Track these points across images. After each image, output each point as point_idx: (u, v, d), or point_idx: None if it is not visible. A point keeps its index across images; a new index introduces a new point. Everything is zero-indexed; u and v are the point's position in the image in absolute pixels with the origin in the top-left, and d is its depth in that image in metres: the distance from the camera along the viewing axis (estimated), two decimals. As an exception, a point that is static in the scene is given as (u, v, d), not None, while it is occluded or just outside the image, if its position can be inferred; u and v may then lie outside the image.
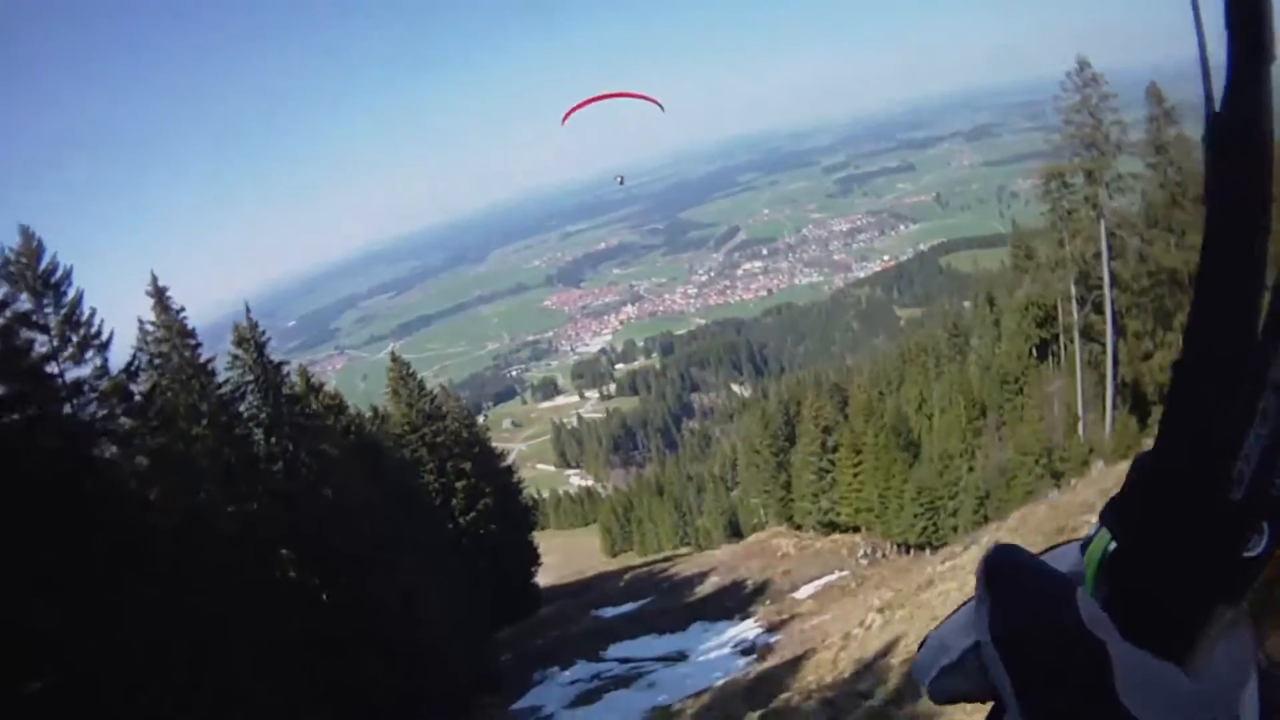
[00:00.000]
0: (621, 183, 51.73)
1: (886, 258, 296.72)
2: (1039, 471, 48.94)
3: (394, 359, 64.04)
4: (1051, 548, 1.13)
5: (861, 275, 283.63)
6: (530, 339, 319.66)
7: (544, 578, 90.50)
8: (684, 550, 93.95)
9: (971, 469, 58.57)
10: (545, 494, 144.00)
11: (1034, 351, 63.06)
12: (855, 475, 66.12)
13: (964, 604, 1.07)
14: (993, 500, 52.81)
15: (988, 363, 69.37)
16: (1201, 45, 0.93)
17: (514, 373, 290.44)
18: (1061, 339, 61.38)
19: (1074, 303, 53.67)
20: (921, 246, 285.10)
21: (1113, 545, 1.04)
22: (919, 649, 1.08)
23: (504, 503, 65.59)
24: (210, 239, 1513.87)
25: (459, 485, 57.66)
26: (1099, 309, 52.53)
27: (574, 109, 33.68)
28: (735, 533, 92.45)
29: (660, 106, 35.13)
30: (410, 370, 62.43)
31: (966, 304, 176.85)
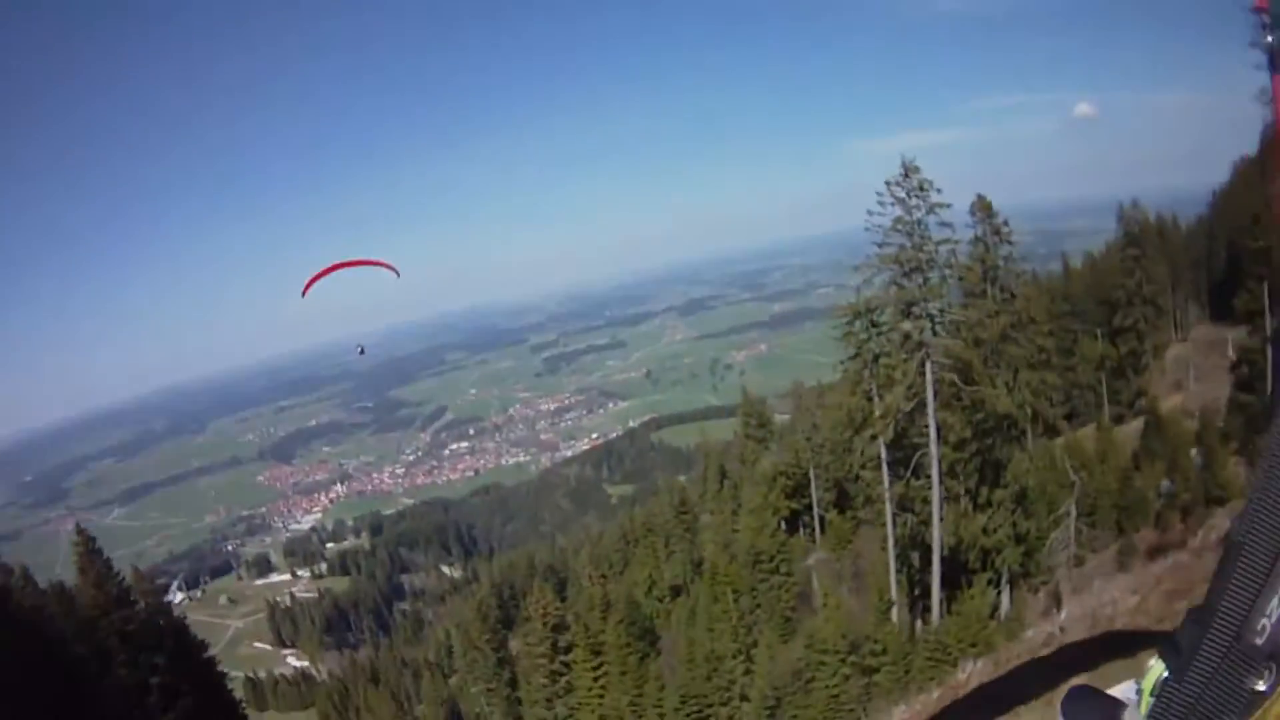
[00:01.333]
0: (362, 352, 46.66)
1: (595, 435, 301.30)
2: (845, 671, 39.57)
3: (79, 532, 54.43)
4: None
5: (569, 454, 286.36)
6: (245, 514, 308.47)
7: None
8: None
9: (749, 671, 49.49)
10: (263, 674, 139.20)
11: (783, 525, 61.31)
12: (596, 680, 57.15)
13: None
14: (787, 709, 42.80)
15: (727, 540, 66.28)
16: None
17: (230, 547, 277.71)
18: (816, 510, 61.33)
19: (884, 466, 44.62)
20: (631, 423, 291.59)
21: (1165, 674, 1.37)
22: None
23: (208, 700, 60.58)
24: None
25: (153, 682, 52.74)
26: (917, 472, 42.97)
27: (314, 279, 32.54)
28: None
29: (396, 272, 34.14)
30: (96, 546, 56.09)
31: (682, 479, 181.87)
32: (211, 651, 71.34)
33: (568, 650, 59.61)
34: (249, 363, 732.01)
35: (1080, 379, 71.92)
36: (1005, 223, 49.75)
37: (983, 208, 48.46)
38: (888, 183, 38.84)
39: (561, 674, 60.91)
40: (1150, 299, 72.57)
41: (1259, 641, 1.21)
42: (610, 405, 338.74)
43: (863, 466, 49.21)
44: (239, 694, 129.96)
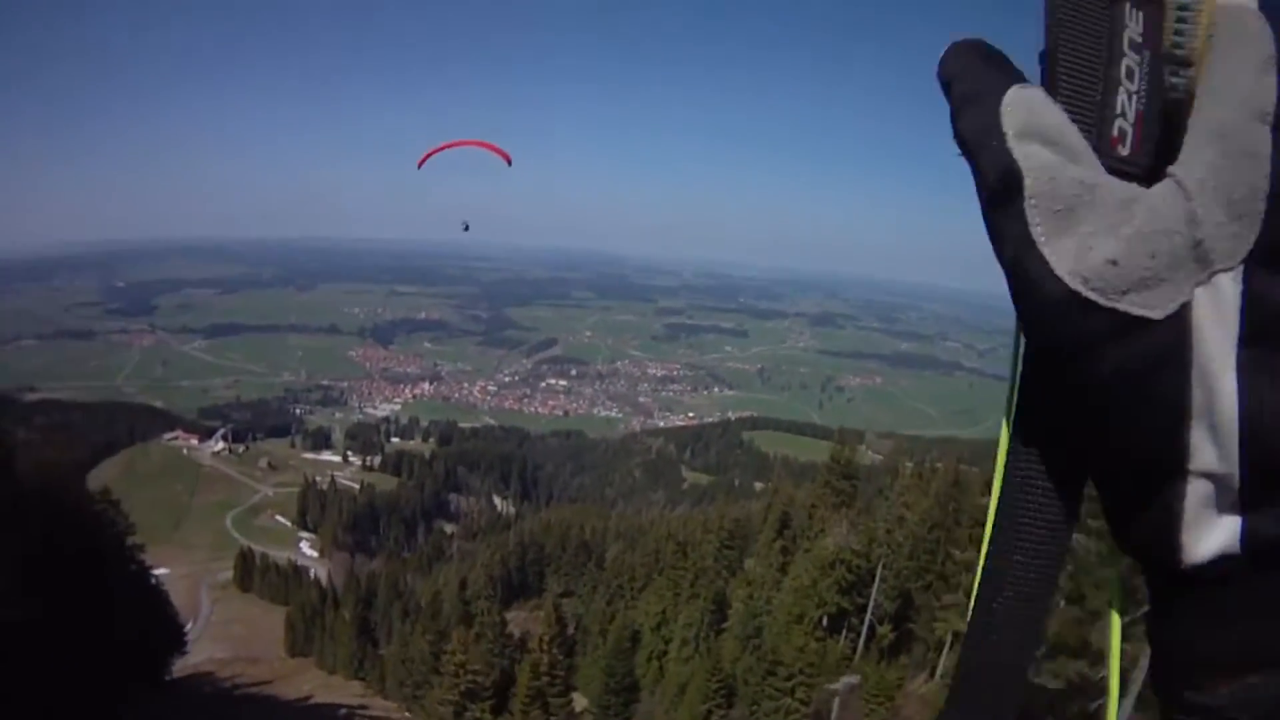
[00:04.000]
0: (467, 229, 45.81)
1: (691, 414, 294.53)
2: None
3: None
4: None
5: (660, 424, 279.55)
6: (325, 383, 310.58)
7: (214, 648, 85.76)
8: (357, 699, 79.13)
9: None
10: (265, 551, 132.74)
11: (825, 622, 49.81)
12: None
13: None
14: None
15: (751, 629, 54.37)
16: None
17: (297, 411, 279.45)
18: (869, 617, 49.04)
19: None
20: (730, 414, 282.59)
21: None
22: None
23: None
24: (71, 173, 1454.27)
25: None
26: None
27: (430, 153, 34.40)
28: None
29: (508, 160, 35.59)
30: None
31: (758, 486, 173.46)
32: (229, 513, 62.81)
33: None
34: (375, 237, 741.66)
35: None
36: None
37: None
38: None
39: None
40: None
41: (1124, 151, 0.96)
42: (715, 390, 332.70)
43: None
44: (230, 567, 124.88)
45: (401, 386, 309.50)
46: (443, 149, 34.49)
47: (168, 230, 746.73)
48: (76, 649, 37.43)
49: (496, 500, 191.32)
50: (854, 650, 48.92)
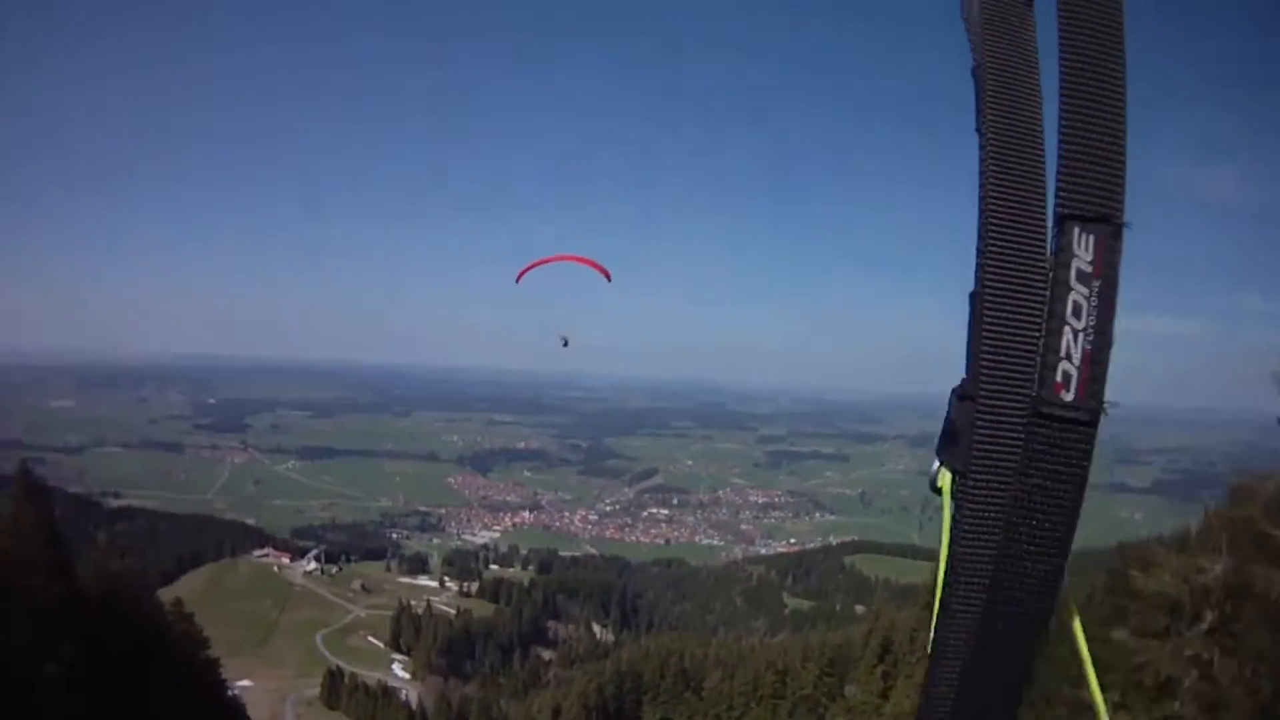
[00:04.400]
0: (566, 344, 42.08)
1: (792, 540, 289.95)
2: None
3: (21, 470, 42.44)
4: None
5: (762, 551, 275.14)
6: (423, 509, 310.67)
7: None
8: None
9: None
10: (355, 671, 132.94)
11: None
12: None
13: None
14: None
15: None
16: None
17: (394, 535, 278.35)
18: None
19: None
20: (831, 539, 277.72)
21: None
22: None
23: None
24: (163, 286, 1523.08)
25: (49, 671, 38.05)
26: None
27: (529, 267, 34.30)
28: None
29: (607, 276, 35.21)
30: (44, 490, 41.51)
31: (859, 609, 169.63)
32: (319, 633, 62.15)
33: None
34: (470, 366, 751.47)
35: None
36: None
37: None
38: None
39: None
40: None
41: (1068, 396, 1.17)
42: (817, 515, 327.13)
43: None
44: (318, 684, 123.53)
45: (501, 514, 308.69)
46: (543, 263, 34.42)
47: (258, 350, 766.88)
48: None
49: (596, 628, 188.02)
50: None
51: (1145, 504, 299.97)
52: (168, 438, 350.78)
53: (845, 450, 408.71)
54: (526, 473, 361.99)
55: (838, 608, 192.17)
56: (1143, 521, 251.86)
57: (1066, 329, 1.00)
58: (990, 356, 1.14)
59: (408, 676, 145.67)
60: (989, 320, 1.14)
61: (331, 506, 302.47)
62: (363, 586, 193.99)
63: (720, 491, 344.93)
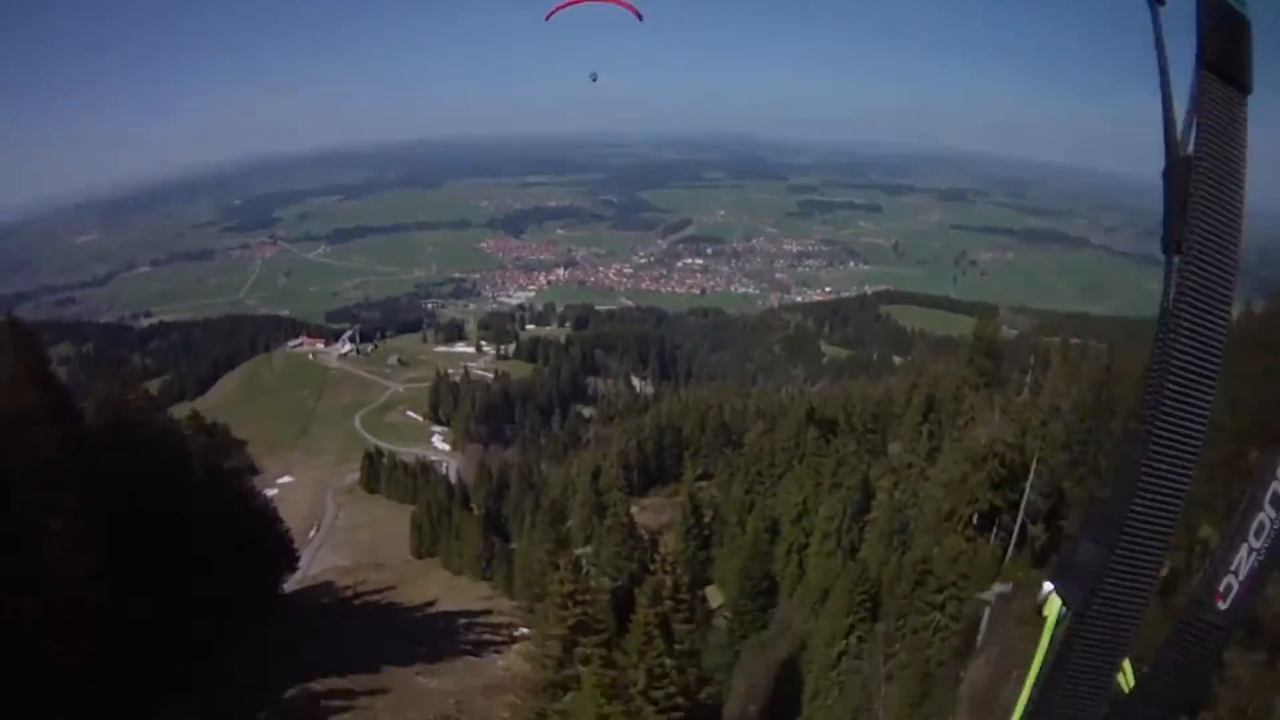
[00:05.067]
0: (595, 79, 44.59)
1: (828, 289, 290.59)
2: None
3: (10, 321, 41.52)
4: None
5: (798, 300, 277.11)
6: (457, 275, 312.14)
7: (336, 556, 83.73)
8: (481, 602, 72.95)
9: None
10: (394, 450, 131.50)
11: (974, 520, 44.02)
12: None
13: None
14: None
15: (898, 524, 49.67)
16: (1165, 76, 1.07)
17: (429, 305, 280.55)
18: (1022, 516, 43.24)
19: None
20: (866, 289, 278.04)
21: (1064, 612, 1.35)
22: None
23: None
24: (195, 100, 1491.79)
25: (54, 528, 35.25)
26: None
27: (559, 7, 33.56)
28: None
29: (639, 15, 33.64)
30: (31, 334, 41.24)
31: (897, 360, 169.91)
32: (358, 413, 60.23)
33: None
34: (502, 132, 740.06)
35: None
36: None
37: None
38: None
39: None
40: None
41: (1224, 606, 1.12)
42: (851, 264, 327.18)
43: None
44: (358, 469, 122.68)
45: (535, 274, 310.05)
46: (571, 3, 33.54)
47: (288, 145, 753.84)
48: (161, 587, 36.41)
49: (635, 381, 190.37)
50: (1004, 552, 44.23)
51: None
52: (197, 246, 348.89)
53: (877, 201, 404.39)
54: (560, 230, 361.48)
55: (875, 357, 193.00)
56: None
57: (1245, 545, 1.01)
58: (1149, 532, 1.14)
59: (448, 448, 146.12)
60: (1156, 496, 1.14)
61: (364, 285, 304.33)
62: (400, 360, 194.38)
63: (754, 240, 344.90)
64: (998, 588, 39.14)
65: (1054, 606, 1.34)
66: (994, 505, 43.25)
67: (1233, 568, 1.03)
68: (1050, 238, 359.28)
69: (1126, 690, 1.19)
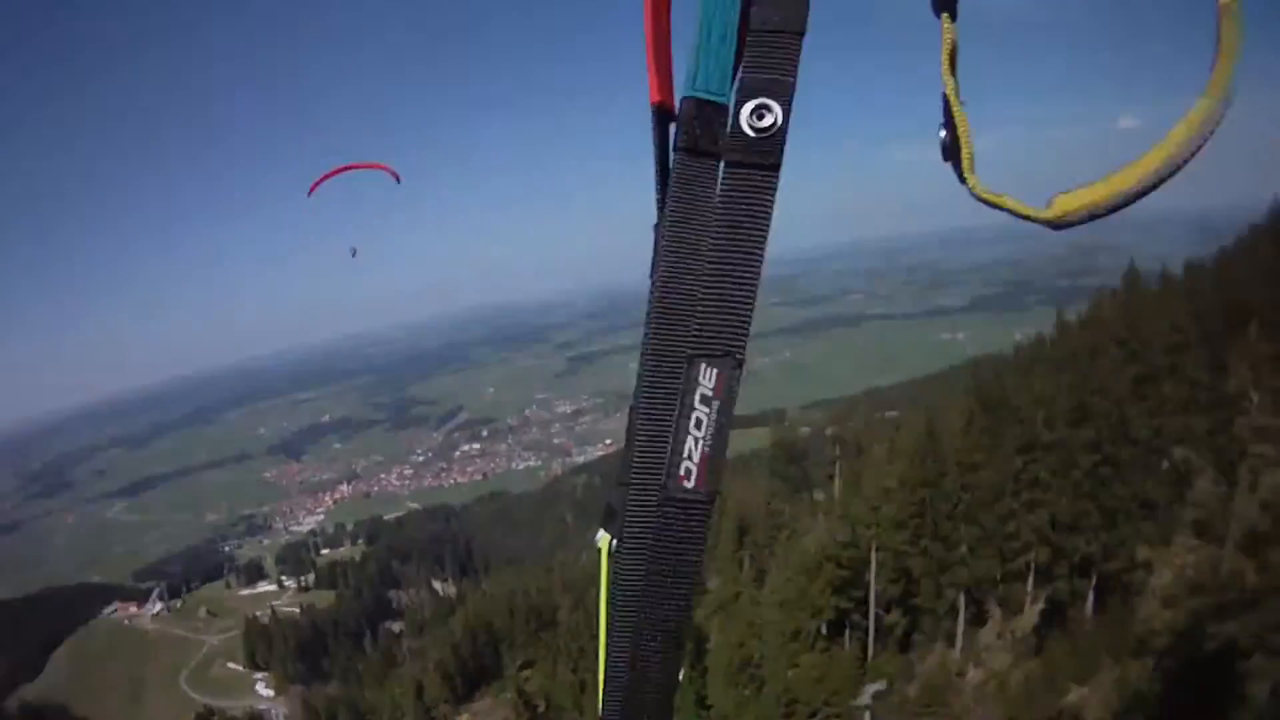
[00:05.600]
0: (355, 254, 45.26)
1: (609, 441, 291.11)
2: None
3: None
4: None
5: (581, 460, 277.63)
6: (247, 513, 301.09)
7: None
8: None
9: None
10: (223, 706, 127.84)
11: (824, 630, 45.93)
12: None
13: None
14: None
15: (739, 661, 49.22)
16: None
17: (226, 549, 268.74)
18: (872, 609, 45.81)
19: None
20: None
21: (612, 541, 1.79)
22: None
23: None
24: None
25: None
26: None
27: (320, 180, 33.53)
28: None
29: (396, 177, 34.50)
30: None
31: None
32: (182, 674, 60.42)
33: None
34: (270, 351, 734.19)
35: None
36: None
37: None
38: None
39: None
40: None
41: (689, 485, 1.41)
42: (625, 408, 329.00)
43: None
44: None
45: (320, 495, 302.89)
46: (333, 174, 33.91)
47: (71, 398, 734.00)
48: None
49: (436, 585, 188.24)
50: (864, 651, 46.50)
51: (966, 323, 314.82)
52: (3, 519, 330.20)
53: (639, 340, 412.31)
54: (337, 445, 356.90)
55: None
56: (966, 340, 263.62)
57: (689, 438, 1.33)
58: (639, 456, 1.43)
59: (272, 694, 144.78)
60: (636, 429, 1.48)
61: (164, 538, 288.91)
62: (208, 612, 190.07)
63: (527, 411, 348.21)
64: (871, 688, 41.18)
65: (604, 541, 1.83)
66: (840, 609, 45.37)
67: (685, 455, 1.36)
68: (827, 323, 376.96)
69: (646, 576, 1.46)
